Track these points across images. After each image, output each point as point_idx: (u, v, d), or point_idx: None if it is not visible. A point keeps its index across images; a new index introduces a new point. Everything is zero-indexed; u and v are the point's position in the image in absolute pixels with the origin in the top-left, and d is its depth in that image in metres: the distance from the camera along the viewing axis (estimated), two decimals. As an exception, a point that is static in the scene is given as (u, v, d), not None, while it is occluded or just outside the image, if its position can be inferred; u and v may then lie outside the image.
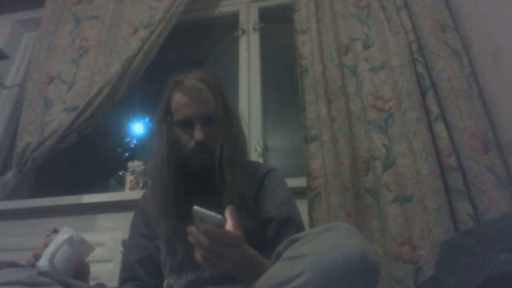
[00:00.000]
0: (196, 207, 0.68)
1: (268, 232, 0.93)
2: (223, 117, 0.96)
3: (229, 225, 0.69)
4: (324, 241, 0.63)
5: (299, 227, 0.95)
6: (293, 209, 1.00)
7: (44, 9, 2.11)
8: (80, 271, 0.82)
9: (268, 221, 0.94)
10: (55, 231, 1.42)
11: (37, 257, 0.79)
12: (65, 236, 0.80)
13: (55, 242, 0.79)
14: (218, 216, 0.66)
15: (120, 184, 1.86)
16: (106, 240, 1.53)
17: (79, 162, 2.12)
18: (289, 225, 0.93)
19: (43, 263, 0.76)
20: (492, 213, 1.16)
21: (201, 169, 0.94)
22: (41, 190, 1.91)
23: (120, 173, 1.91)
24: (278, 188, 1.01)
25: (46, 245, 0.80)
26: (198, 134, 0.92)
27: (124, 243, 1.23)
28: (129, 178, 1.73)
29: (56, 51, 1.94)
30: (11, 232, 1.61)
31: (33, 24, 2.24)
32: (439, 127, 1.34)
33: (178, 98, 0.97)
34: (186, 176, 0.95)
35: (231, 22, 2.12)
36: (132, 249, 1.02)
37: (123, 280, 0.99)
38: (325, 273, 0.58)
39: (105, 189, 1.95)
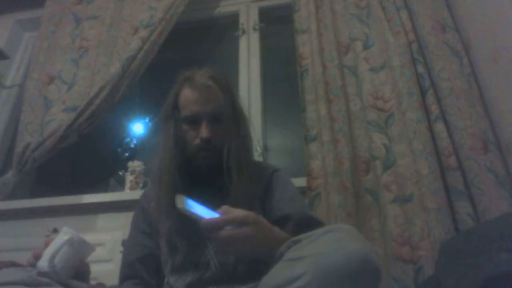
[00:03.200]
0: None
1: (286, 229, 0.89)
2: (231, 116, 0.96)
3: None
4: (325, 243, 0.63)
5: (318, 222, 0.92)
6: (305, 204, 0.99)
7: (44, 9, 2.11)
8: (80, 271, 0.82)
9: (284, 218, 0.91)
10: (55, 231, 1.42)
11: (37, 257, 0.78)
12: (65, 237, 0.80)
13: (55, 242, 0.79)
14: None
15: (120, 184, 1.86)
16: (106, 240, 1.53)
17: (79, 162, 2.12)
18: (307, 220, 0.91)
19: (43, 263, 0.76)
20: (492, 213, 1.16)
21: (205, 168, 0.94)
22: (41, 190, 1.91)
23: (120, 173, 1.91)
24: (287, 185, 1.01)
25: (46, 244, 0.80)
26: (204, 131, 0.91)
27: (124, 243, 1.22)
28: (129, 178, 1.73)
29: (56, 51, 1.94)
30: (11, 232, 1.61)
31: (33, 24, 2.24)
32: (439, 127, 1.34)
33: (187, 94, 0.96)
34: (190, 174, 0.94)
35: (231, 22, 2.12)
36: (133, 247, 1.01)
37: (123, 278, 0.98)
38: (326, 275, 0.58)
39: (105, 189, 1.95)
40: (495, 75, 1.33)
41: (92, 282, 0.89)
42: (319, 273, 0.58)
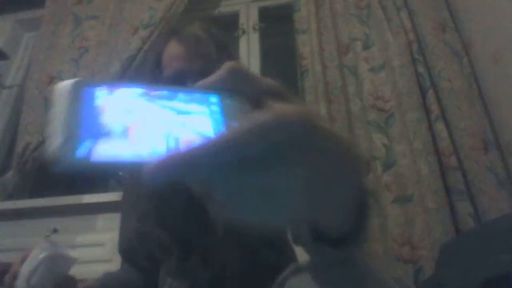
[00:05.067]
0: None
1: None
2: None
3: None
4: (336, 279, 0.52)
5: None
6: None
7: (44, 9, 2.11)
8: (62, 285, 0.76)
9: None
10: (55, 231, 1.41)
11: (15, 275, 0.73)
12: (41, 256, 0.74)
13: (31, 260, 0.74)
14: None
15: (120, 184, 1.86)
16: (106, 240, 1.52)
17: (79, 162, 2.12)
18: None
19: (20, 285, 0.71)
20: (492, 213, 1.16)
21: None
22: (41, 190, 1.91)
23: (120, 173, 1.90)
24: None
25: (22, 260, 0.74)
26: None
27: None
28: (129, 178, 1.73)
29: (56, 51, 1.94)
30: (11, 232, 1.61)
31: (33, 24, 2.24)
32: (439, 127, 1.34)
33: (172, 48, 0.78)
34: None
35: (231, 22, 2.12)
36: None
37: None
38: None
39: (105, 189, 1.94)
40: (495, 75, 1.33)
41: (92, 282, 0.89)
42: None
